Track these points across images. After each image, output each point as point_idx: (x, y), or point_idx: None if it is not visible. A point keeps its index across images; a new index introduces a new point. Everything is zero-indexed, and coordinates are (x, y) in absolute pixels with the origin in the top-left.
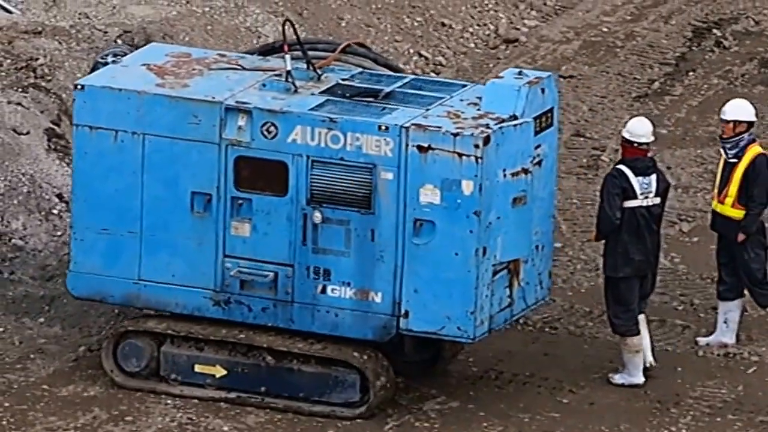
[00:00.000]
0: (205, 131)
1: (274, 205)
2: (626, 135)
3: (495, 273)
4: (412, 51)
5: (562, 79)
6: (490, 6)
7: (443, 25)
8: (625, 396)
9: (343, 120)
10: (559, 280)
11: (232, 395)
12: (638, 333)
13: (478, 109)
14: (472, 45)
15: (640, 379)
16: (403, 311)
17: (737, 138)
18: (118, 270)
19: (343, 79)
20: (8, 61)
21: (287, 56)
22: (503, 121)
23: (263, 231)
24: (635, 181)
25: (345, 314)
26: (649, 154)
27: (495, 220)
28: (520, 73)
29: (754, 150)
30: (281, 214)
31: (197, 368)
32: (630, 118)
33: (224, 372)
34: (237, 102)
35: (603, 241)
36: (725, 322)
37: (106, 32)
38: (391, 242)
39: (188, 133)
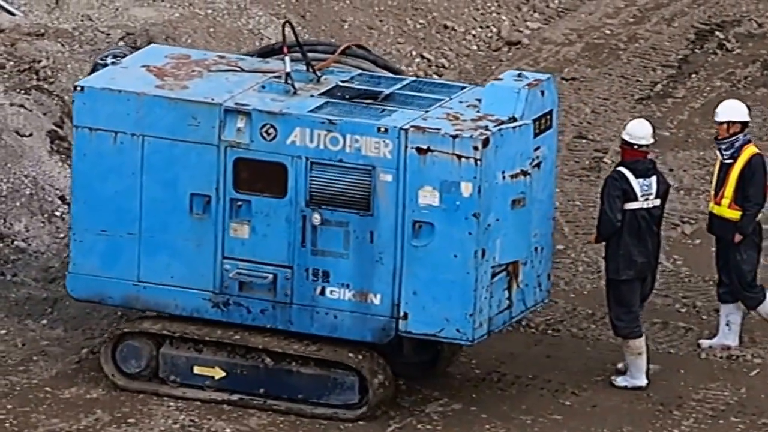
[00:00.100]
0: (205, 133)
1: (273, 207)
2: (626, 137)
3: (494, 275)
4: (414, 53)
5: (564, 82)
6: (493, 8)
7: (446, 27)
8: (628, 398)
9: (343, 122)
10: (561, 282)
11: (235, 397)
12: (641, 335)
13: (478, 111)
14: (475, 47)
15: (643, 381)
16: (402, 313)
17: (732, 139)
18: (117, 271)
19: (343, 81)
20: (11, 63)
21: (287, 58)
22: (502, 123)
23: (262, 233)
24: (636, 183)
25: (344, 316)
26: (649, 156)
27: (494, 222)
28: (519, 75)
29: (750, 150)
30: (280, 216)
31: (196, 370)
32: (630, 120)
33: (223, 373)
34: (236, 104)
35: (603, 243)
36: (727, 325)
37: (108, 34)
38: (390, 244)
39: (187, 134)
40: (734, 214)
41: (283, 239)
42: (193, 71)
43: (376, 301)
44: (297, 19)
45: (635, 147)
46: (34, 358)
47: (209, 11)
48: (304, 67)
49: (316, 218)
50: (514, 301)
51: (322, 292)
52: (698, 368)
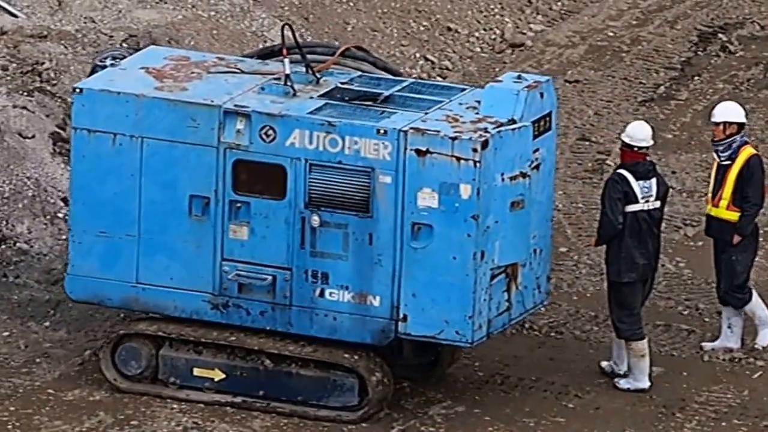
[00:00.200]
0: (204, 134)
1: (273, 209)
2: (626, 139)
3: (493, 277)
4: (418, 55)
5: (567, 84)
6: (496, 10)
7: (449, 29)
8: (631, 401)
9: (342, 123)
10: (564, 285)
11: (239, 399)
12: (643, 337)
13: (477, 113)
14: (478, 49)
15: (646, 383)
16: (401, 315)
17: (729, 140)
18: (116, 273)
19: (342, 83)
20: (14, 65)
21: (286, 60)
22: (502, 125)
23: (261, 234)
24: (636, 186)
25: (343, 318)
26: (648, 158)
27: (493, 224)
28: (518, 77)
29: (748, 151)
30: (279, 218)
31: (196, 372)
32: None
33: (223, 375)
34: (236, 105)
35: (603, 246)
36: (729, 327)
37: (111, 36)
38: (389, 246)
39: (187, 136)
40: (732, 216)
41: (282, 241)
42: (193, 73)
43: (376, 303)
44: (300, 21)
45: (635, 149)
46: (37, 360)
47: (212, 13)
48: (304, 69)
49: (315, 220)
50: (514, 303)
51: (322, 294)
52: (701, 371)
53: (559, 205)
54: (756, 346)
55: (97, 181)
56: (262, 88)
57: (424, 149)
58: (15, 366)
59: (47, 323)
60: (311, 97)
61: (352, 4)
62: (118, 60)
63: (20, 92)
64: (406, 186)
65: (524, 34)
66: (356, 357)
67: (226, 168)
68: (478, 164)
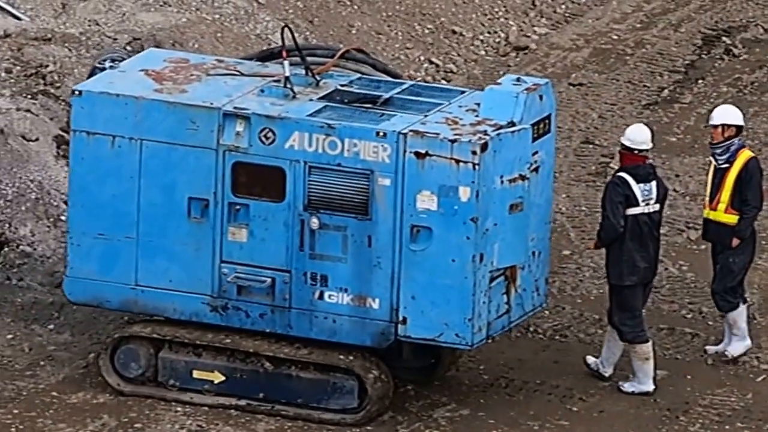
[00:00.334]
0: (203, 137)
1: (272, 211)
2: (626, 142)
3: (492, 279)
4: (422, 58)
5: (571, 87)
6: (501, 13)
7: (454, 32)
8: (635, 404)
9: (341, 126)
10: (568, 288)
11: (243, 402)
12: (647, 340)
13: (476, 116)
14: (483, 52)
15: (650, 386)
16: (401, 318)
17: (727, 143)
18: (115, 275)
19: (342, 85)
20: (18, 67)
21: (286, 62)
22: (501, 127)
23: (260, 237)
24: (637, 189)
25: (343, 320)
26: (648, 161)
27: (492, 227)
28: (518, 79)
29: (746, 154)
30: (278, 220)
31: (195, 374)
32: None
33: (223, 378)
34: (235, 108)
35: (603, 249)
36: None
37: (115, 39)
38: (388, 248)
39: (186, 138)
40: (731, 219)
41: (281, 243)
42: (192, 75)
43: (375, 305)
44: (305, 25)
45: (635, 152)
46: (41, 362)
47: (217, 16)
48: (303, 71)
49: (315, 222)
50: (513, 306)
51: (321, 297)
52: (705, 374)
53: (562, 208)
54: (726, 352)
55: (96, 184)
56: (262, 91)
57: (423, 152)
58: (19, 369)
59: (51, 326)
60: (311, 100)
61: (356, 7)
62: (117, 62)
63: (24, 95)
64: (406, 188)
65: (528, 37)
66: (351, 357)
67: (226, 170)
68: (477, 167)
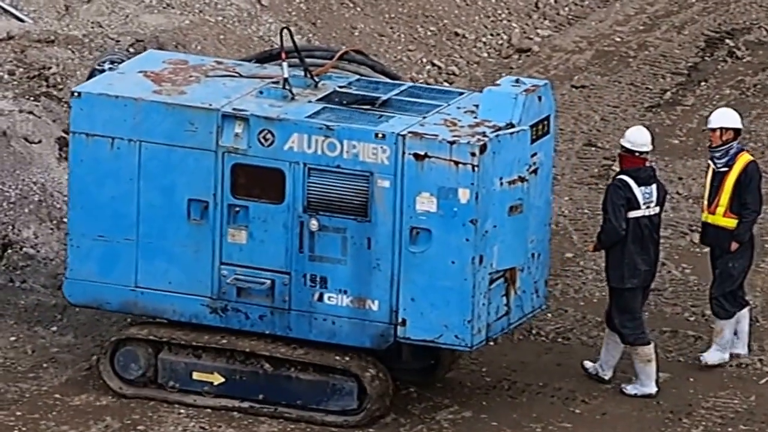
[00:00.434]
0: (202, 138)
1: (271, 213)
2: (627, 145)
3: (492, 281)
4: (425, 60)
5: (574, 89)
6: (503, 16)
7: (456, 34)
8: (638, 406)
9: (340, 128)
10: (570, 291)
11: (246, 405)
12: (649, 342)
13: (475, 117)
14: (485, 54)
15: (653, 388)
16: (400, 319)
17: (726, 146)
18: (114, 277)
19: (341, 87)
20: (20, 69)
21: (284, 63)
22: (500, 129)
23: (260, 238)
24: (638, 192)
25: (342, 322)
26: (648, 163)
27: (491, 229)
28: (517, 81)
29: (745, 158)
30: (278, 222)
31: (195, 376)
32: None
33: (222, 379)
34: (234, 109)
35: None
36: (735, 334)
37: (118, 41)
38: (387, 250)
39: (185, 140)
40: (730, 223)
41: (280, 245)
42: (191, 77)
43: (375, 307)
44: (308, 26)
45: (636, 154)
46: (44, 365)
47: (219, 18)
48: (302, 73)
49: (314, 224)
50: (512, 308)
51: (320, 298)
52: (708, 376)
53: (565, 211)
54: (702, 358)
55: (95, 185)
56: (261, 92)
57: (422, 153)
58: (22, 371)
59: (54, 328)
60: (309, 101)
61: (359, 9)
62: (116, 64)
63: (27, 97)
64: (405, 190)
65: (531, 39)
66: (347, 358)
67: (225, 172)
68: (476, 168)
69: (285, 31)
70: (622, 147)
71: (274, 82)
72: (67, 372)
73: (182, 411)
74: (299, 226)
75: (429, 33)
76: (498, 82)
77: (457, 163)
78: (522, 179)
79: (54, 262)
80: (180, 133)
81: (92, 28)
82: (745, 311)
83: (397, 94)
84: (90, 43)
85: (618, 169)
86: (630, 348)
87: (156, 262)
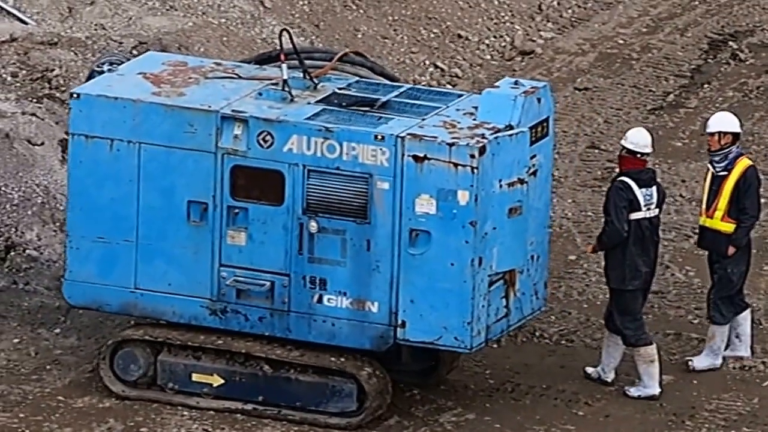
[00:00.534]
0: (201, 140)
1: (270, 215)
2: (629, 146)
3: (491, 283)
4: (428, 62)
5: (577, 91)
6: (507, 18)
7: (459, 36)
8: (641, 408)
9: (339, 129)
10: (574, 293)
11: (249, 407)
12: (651, 342)
13: (474, 119)
14: (488, 57)
15: (656, 390)
16: (400, 321)
17: (725, 150)
18: (114, 279)
19: (340, 89)
20: (23, 71)
21: (284, 65)
22: (499, 131)
23: (259, 240)
24: (639, 193)
25: (342, 324)
26: (648, 165)
27: (491, 231)
28: (516, 82)
29: (744, 162)
30: (277, 224)
31: (194, 377)
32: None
33: (222, 381)
34: (233, 111)
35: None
36: (737, 336)
37: (121, 43)
38: (387, 252)
39: (184, 142)
40: (727, 227)
41: (280, 247)
42: (190, 78)
43: (374, 309)
44: (311, 29)
45: (638, 156)
46: (47, 367)
47: (223, 20)
48: (301, 75)
49: (313, 226)
50: (512, 310)
51: (320, 300)
52: (711, 379)
53: (568, 214)
54: (690, 363)
55: (94, 187)
56: (260, 94)
57: (421, 155)
58: (25, 373)
59: (57, 330)
60: (309, 103)
61: (362, 11)
62: (115, 65)
63: (30, 99)
64: (404, 192)
65: (534, 41)
66: (344, 359)
67: (224, 174)
68: (475, 170)
69: (284, 32)
70: (624, 148)
71: (273, 84)
72: (70, 374)
73: (185, 413)
74: (299, 228)
75: (432, 35)
76: (497, 83)
77: (456, 165)
78: (521, 181)
79: (57, 264)
80: (179, 135)
81: (95, 30)
82: (746, 313)
83: (396, 96)
84: (93, 45)
85: (618, 171)
86: (632, 349)
87: (155, 263)
